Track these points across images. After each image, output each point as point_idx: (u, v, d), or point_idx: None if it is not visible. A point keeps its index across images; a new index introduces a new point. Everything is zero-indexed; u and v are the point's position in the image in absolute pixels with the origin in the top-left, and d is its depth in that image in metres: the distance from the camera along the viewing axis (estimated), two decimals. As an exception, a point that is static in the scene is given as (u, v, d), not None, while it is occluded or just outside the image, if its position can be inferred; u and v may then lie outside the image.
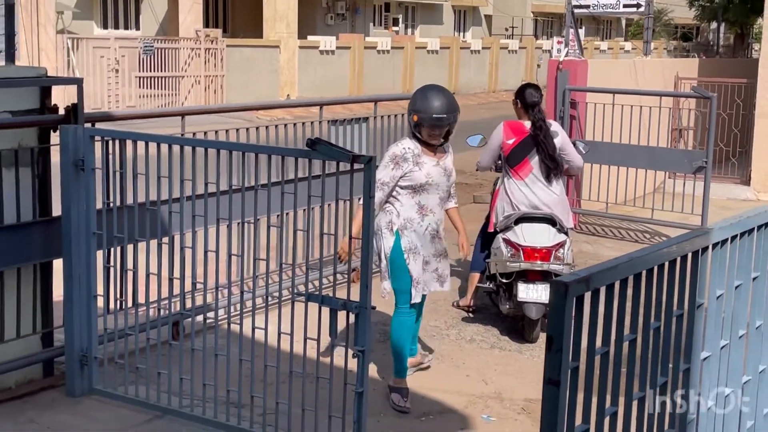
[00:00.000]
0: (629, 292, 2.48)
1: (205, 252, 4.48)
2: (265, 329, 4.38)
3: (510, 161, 6.25)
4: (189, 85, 22.25)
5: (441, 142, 5.13)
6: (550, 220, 6.16)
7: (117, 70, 20.33)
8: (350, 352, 4.09)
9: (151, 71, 21.29)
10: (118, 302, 4.91)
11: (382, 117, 7.40)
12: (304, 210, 4.17)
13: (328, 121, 6.90)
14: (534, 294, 5.98)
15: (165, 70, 21.64)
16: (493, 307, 6.57)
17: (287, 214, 4.35)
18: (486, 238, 6.46)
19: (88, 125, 5.03)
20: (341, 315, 4.08)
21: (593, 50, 34.97)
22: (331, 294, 4.12)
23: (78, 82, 4.87)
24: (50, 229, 4.91)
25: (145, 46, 20.94)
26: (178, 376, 4.57)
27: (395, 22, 34.50)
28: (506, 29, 40.11)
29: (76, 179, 4.74)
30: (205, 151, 4.37)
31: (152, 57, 21.21)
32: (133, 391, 4.76)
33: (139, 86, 21.04)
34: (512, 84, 35.35)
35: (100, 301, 4.86)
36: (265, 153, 4.30)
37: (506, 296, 6.20)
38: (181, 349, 4.57)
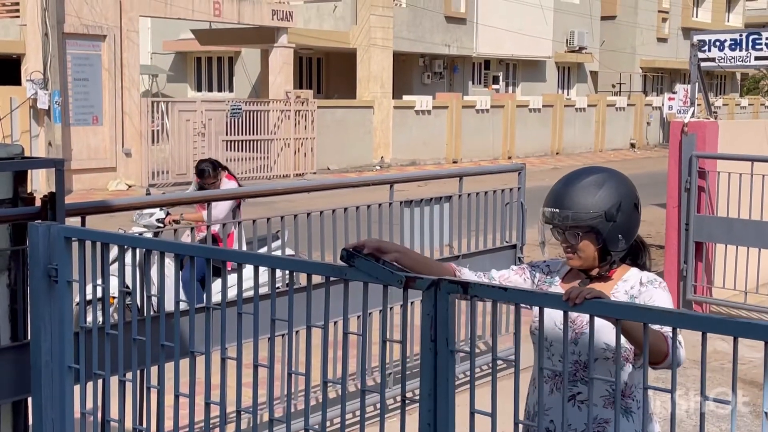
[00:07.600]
0: None
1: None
2: None
3: None
4: (278, 148, 21.40)
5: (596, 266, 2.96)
6: None
7: (203, 134, 19.60)
8: None
9: (239, 134, 20.51)
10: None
11: (469, 195, 6.04)
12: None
13: (401, 203, 5.59)
14: None
15: (254, 133, 20.85)
16: None
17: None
18: None
19: (75, 220, 3.88)
20: None
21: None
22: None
23: (57, 165, 3.70)
24: (22, 357, 3.72)
25: (233, 109, 20.18)
26: None
27: (495, 80, 33.19)
28: (613, 86, 38.33)
29: (47, 294, 3.55)
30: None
31: (241, 120, 20.44)
32: None
33: (227, 149, 20.26)
34: (620, 143, 33.60)
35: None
36: (284, 268, 3.03)
37: None
38: None
